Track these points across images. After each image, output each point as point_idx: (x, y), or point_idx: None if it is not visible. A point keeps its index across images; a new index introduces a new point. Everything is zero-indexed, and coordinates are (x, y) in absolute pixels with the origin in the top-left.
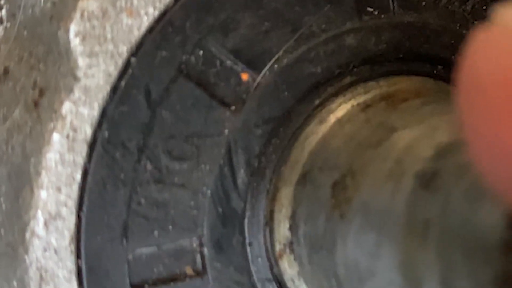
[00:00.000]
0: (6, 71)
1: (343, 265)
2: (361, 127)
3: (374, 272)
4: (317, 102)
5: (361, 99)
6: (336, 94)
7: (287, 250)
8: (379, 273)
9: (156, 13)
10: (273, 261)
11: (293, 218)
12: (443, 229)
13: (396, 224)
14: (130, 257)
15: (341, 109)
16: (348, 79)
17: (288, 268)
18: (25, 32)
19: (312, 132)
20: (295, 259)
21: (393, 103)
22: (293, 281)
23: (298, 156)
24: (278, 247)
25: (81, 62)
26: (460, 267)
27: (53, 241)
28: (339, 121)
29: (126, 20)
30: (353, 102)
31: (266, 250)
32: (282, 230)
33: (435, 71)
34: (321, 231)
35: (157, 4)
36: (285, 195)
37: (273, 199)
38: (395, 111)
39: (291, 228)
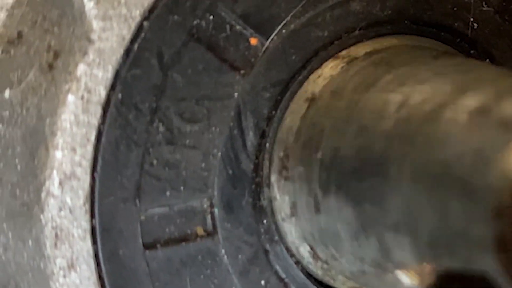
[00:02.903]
0: (19, 35)
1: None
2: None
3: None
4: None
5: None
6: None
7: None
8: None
9: None
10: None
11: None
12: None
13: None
14: (142, 217)
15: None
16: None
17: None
18: None
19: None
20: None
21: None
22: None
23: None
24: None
25: (95, 25)
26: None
27: (68, 201)
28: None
29: None
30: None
31: (272, 212)
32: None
33: (439, 37)
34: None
35: None
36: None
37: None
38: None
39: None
